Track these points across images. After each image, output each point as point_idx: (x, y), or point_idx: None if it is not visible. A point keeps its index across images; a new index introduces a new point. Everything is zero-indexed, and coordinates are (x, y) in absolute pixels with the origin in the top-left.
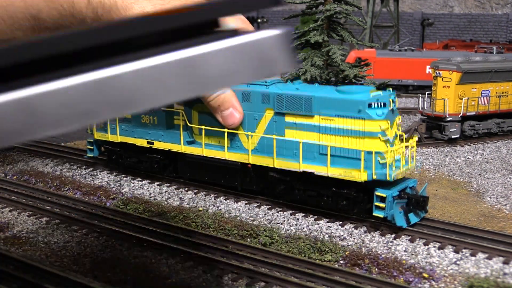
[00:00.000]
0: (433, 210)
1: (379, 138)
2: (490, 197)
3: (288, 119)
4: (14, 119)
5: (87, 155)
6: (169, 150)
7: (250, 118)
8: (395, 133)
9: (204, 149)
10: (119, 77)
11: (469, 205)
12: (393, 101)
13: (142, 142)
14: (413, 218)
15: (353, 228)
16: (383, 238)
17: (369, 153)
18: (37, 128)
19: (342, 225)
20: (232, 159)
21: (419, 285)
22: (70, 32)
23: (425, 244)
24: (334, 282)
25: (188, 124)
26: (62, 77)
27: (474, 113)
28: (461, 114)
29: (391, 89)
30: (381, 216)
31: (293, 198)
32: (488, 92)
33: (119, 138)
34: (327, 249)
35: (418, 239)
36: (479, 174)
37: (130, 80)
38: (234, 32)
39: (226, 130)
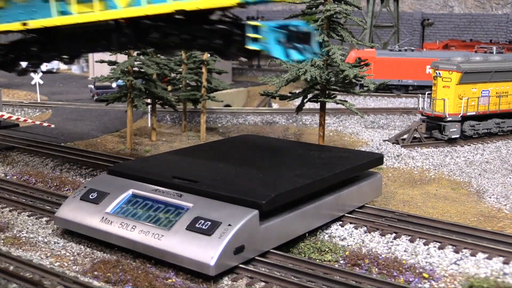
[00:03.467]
0: (433, 210)
1: None
2: (490, 197)
3: None
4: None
5: None
6: (45, 28)
7: None
8: None
9: (77, 16)
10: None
11: (469, 205)
12: None
13: (16, 26)
14: (295, 54)
15: (353, 228)
16: (383, 238)
17: None
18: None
19: (342, 225)
20: (106, 19)
21: (419, 285)
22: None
23: (425, 244)
24: (334, 282)
25: None
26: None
27: (474, 113)
28: (461, 114)
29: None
30: (256, 48)
31: (168, 46)
32: (488, 92)
33: None
34: (327, 249)
35: (418, 239)
36: (479, 174)
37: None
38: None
39: None
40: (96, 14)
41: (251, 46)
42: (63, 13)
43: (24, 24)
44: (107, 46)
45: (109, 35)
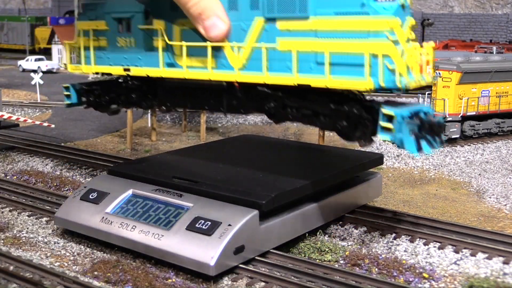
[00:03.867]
0: (433, 210)
1: (387, 38)
2: (490, 197)
3: (281, 26)
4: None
5: (65, 103)
6: (148, 76)
7: (237, 30)
8: (408, 38)
9: (186, 71)
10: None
11: (469, 205)
12: None
13: (118, 70)
14: (426, 147)
15: (353, 228)
16: (383, 238)
17: (375, 57)
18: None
19: (342, 225)
20: (218, 79)
21: (419, 285)
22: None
23: (425, 244)
24: (334, 282)
25: (168, 42)
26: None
27: (474, 113)
28: (461, 114)
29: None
30: (388, 139)
31: (285, 117)
32: (488, 92)
33: (93, 69)
34: (327, 249)
35: (418, 239)
36: (479, 174)
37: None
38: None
39: (209, 44)
40: (207, 72)
41: (383, 136)
42: (170, 65)
43: (126, 70)
44: (216, 107)
45: (219, 95)
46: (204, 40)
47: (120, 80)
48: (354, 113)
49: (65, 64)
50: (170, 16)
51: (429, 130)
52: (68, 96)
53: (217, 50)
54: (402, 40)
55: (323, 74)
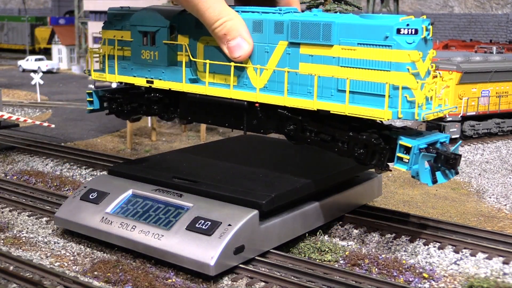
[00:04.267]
0: (433, 210)
1: (408, 71)
2: (490, 197)
3: (304, 51)
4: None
5: (88, 108)
6: (170, 89)
7: (260, 51)
8: (428, 69)
9: (207, 87)
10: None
11: (469, 205)
12: (427, 29)
13: (141, 81)
14: (441, 178)
15: (353, 228)
16: (383, 238)
17: (396, 88)
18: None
19: (342, 225)
20: (238, 98)
21: (419, 285)
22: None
23: (425, 244)
24: (334, 282)
25: (192, 58)
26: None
27: (474, 113)
28: (461, 114)
29: (425, 16)
30: (403, 169)
31: (303, 140)
32: (488, 92)
33: (117, 78)
34: (327, 249)
35: (418, 239)
36: (479, 174)
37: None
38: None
39: (232, 64)
40: (228, 90)
41: (399, 166)
42: (193, 80)
43: (149, 82)
44: (236, 125)
45: (240, 114)
46: (227, 58)
47: (142, 90)
48: (372, 142)
49: (88, 71)
50: (194, 32)
51: (444, 162)
52: (90, 102)
53: (239, 69)
54: (423, 73)
55: (343, 101)
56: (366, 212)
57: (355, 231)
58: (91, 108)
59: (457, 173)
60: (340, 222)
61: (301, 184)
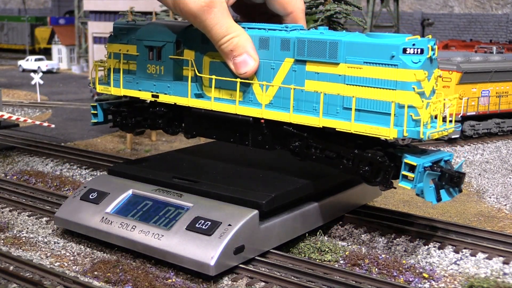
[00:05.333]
0: (433, 210)
1: (414, 90)
2: (490, 197)
3: (310, 68)
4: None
5: (92, 121)
6: (175, 104)
7: (266, 68)
8: (433, 87)
9: (212, 103)
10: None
11: (469, 205)
12: (433, 49)
13: (146, 95)
14: (445, 196)
15: (353, 228)
16: (383, 238)
17: (401, 107)
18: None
19: (342, 225)
20: (244, 114)
21: (419, 285)
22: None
23: (425, 244)
24: (334, 282)
25: (198, 74)
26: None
27: (474, 113)
28: (461, 114)
29: (430, 35)
30: (408, 187)
31: (308, 157)
32: (488, 92)
33: (122, 91)
34: (327, 249)
35: (418, 239)
36: (479, 174)
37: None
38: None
39: (238, 80)
40: (233, 106)
41: (403, 184)
42: (198, 95)
43: (155, 96)
44: (241, 141)
45: (245, 130)
46: (233, 73)
47: (147, 104)
48: (377, 160)
49: (93, 84)
50: (200, 48)
51: (449, 180)
52: (94, 115)
53: (245, 85)
54: (428, 91)
55: (349, 119)
56: (366, 212)
57: (355, 231)
58: (95, 120)
59: (460, 191)
60: (340, 222)
61: (301, 184)
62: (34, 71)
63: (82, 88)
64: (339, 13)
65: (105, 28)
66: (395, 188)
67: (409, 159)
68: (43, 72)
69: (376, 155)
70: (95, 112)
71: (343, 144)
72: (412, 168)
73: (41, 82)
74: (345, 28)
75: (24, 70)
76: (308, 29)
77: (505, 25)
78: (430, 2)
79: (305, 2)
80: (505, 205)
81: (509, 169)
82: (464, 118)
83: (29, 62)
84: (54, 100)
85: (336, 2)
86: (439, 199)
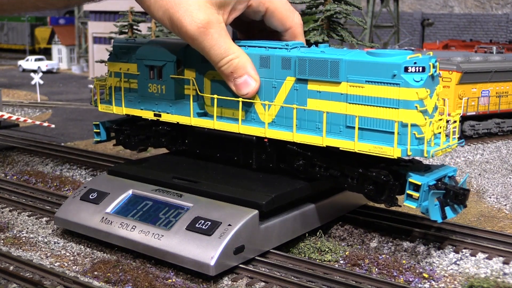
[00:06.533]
0: None
1: (417, 109)
2: (490, 197)
3: (311, 87)
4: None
5: (95, 139)
6: (178, 123)
7: (268, 86)
8: (435, 104)
9: (215, 122)
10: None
11: (469, 205)
12: (434, 66)
13: (148, 114)
14: (450, 213)
15: (353, 228)
16: (383, 238)
17: (404, 125)
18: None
19: (342, 225)
20: (247, 133)
21: (419, 285)
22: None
23: (425, 244)
24: (334, 282)
25: (199, 93)
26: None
27: (474, 113)
28: (461, 114)
29: (431, 52)
30: (413, 207)
31: (313, 176)
32: (488, 92)
33: (124, 110)
34: (327, 249)
35: (418, 239)
36: (479, 174)
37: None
38: None
39: (240, 99)
40: (236, 125)
41: (408, 204)
42: (200, 114)
43: (157, 115)
44: (245, 160)
45: (249, 149)
46: (234, 93)
47: (149, 122)
48: (381, 179)
49: (94, 102)
50: (201, 67)
51: (453, 198)
52: (97, 133)
53: (247, 104)
54: (430, 109)
55: (352, 137)
56: (366, 212)
57: (355, 231)
58: (98, 139)
59: (465, 207)
60: (340, 222)
61: (301, 184)
62: (34, 71)
63: (82, 88)
64: (339, 13)
65: (105, 28)
66: (400, 206)
67: (413, 178)
68: (43, 72)
69: (381, 174)
70: (98, 130)
71: (347, 162)
72: (416, 187)
73: (41, 82)
74: (345, 28)
75: (24, 70)
76: (308, 46)
77: (505, 25)
78: (430, 2)
79: (305, 2)
80: (505, 205)
81: (509, 169)
82: (464, 118)
83: (29, 62)
84: (54, 100)
85: (336, 2)
86: (444, 217)
